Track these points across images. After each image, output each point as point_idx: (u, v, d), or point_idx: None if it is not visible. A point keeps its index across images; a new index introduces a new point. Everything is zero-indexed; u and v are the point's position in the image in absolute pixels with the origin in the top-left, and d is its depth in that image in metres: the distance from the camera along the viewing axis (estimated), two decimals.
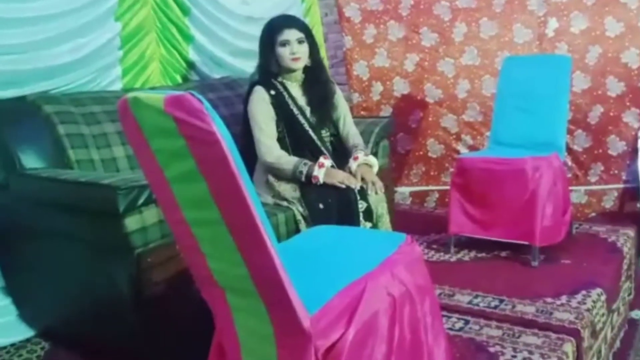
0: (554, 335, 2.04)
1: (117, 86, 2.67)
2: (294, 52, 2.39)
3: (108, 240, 1.84)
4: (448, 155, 3.90)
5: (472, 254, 2.90)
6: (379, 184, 2.33)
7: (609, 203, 3.69)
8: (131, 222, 1.77)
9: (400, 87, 3.92)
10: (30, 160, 2.14)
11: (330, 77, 2.60)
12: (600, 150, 3.65)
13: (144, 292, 1.81)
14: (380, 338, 1.37)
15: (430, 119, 3.90)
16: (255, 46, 3.24)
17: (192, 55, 3.01)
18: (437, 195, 3.98)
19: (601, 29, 3.52)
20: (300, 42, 2.41)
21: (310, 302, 1.30)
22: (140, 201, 1.76)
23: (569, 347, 1.96)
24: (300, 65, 2.44)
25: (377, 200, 2.34)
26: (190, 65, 3.02)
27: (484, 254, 2.88)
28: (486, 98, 3.75)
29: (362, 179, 2.34)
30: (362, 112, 3.95)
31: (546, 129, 2.98)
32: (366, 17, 3.89)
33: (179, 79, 2.98)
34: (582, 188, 3.70)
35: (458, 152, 3.85)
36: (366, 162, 2.38)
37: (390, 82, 3.93)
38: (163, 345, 1.86)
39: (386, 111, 3.98)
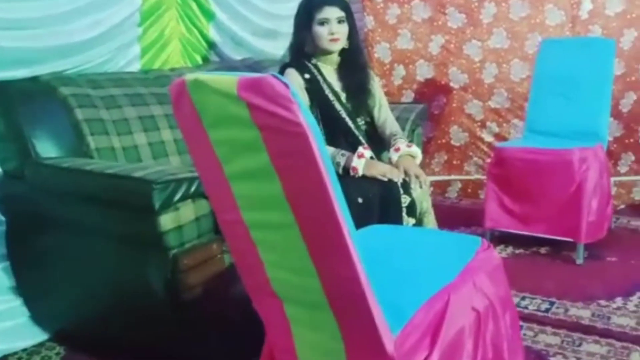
0: (618, 344, 1.89)
1: (135, 66, 2.47)
2: (333, 33, 2.19)
3: (140, 239, 1.65)
4: (472, 143, 3.74)
5: (509, 249, 2.75)
6: (423, 177, 2.15)
7: (639, 194, 3.55)
8: (167, 220, 1.58)
9: (424, 71, 3.74)
10: (46, 147, 1.94)
11: (367, 62, 2.41)
12: (632, 140, 3.49)
13: (180, 295, 1.63)
14: (466, 358, 1.21)
15: (454, 105, 3.72)
16: (277, 26, 3.08)
17: (213, 34, 2.80)
18: (459, 185, 3.82)
19: (637, 12, 3.34)
20: (340, 21, 2.20)
21: (390, 318, 1.13)
22: (177, 197, 1.57)
23: (637, 357, 1.81)
24: (338, 47, 2.24)
25: (422, 194, 2.17)
26: (211, 45, 2.81)
27: (522, 250, 2.73)
28: (514, 84, 3.59)
29: (404, 171, 2.16)
30: None
31: (588, 117, 2.83)
32: None
33: (199, 60, 2.78)
34: (612, 179, 3.53)
35: (483, 140, 3.70)
36: (409, 153, 2.20)
37: (413, 66, 3.75)
38: (199, 352, 1.69)
39: (408, 96, 3.81)
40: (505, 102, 3.62)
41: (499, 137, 3.64)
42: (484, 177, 3.64)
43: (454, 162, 3.82)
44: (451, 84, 3.70)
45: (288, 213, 1.06)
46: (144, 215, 1.57)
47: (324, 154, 0.96)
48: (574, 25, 3.45)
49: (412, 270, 1.32)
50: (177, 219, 1.61)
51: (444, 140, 3.79)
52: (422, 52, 3.71)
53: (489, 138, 3.68)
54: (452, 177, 3.84)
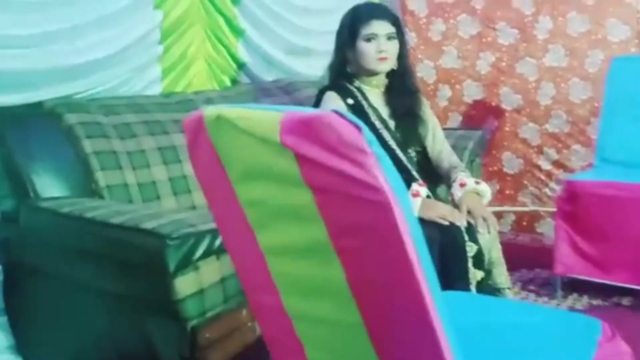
0: None
1: (156, 90, 2.20)
2: (381, 50, 1.86)
3: (151, 305, 1.33)
4: (527, 171, 3.37)
5: (584, 299, 2.36)
6: (492, 219, 1.79)
7: None
8: (184, 284, 1.26)
9: (472, 92, 3.43)
10: (47, 186, 1.66)
11: (418, 85, 2.08)
12: None
13: None
14: None
15: (507, 129, 3.38)
16: (311, 43, 2.79)
17: (242, 52, 2.52)
18: (513, 217, 3.45)
19: None
20: (390, 38, 1.88)
21: None
22: (198, 254, 1.26)
23: None
24: (387, 67, 1.92)
25: (490, 241, 1.81)
26: (240, 65, 2.53)
27: (599, 301, 2.34)
28: (574, 105, 3.22)
29: (468, 212, 1.81)
30: None
31: None
32: (433, 10, 3.44)
33: (227, 81, 2.49)
34: None
35: (540, 168, 3.34)
36: (476, 191, 1.84)
37: (460, 86, 3.45)
38: None
39: (454, 119, 3.50)
40: (565, 126, 3.26)
41: (558, 164, 3.27)
42: (541, 209, 3.31)
43: (507, 192, 3.45)
44: (503, 106, 3.37)
45: (351, 307, 0.73)
46: (156, 277, 1.26)
47: (414, 230, 0.63)
48: None
49: None
50: (198, 282, 1.29)
51: (495, 168, 3.45)
52: (469, 71, 3.41)
53: (546, 166, 3.32)
54: (505, 208, 3.47)
